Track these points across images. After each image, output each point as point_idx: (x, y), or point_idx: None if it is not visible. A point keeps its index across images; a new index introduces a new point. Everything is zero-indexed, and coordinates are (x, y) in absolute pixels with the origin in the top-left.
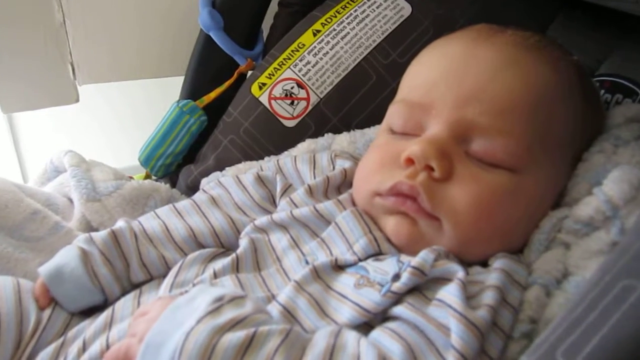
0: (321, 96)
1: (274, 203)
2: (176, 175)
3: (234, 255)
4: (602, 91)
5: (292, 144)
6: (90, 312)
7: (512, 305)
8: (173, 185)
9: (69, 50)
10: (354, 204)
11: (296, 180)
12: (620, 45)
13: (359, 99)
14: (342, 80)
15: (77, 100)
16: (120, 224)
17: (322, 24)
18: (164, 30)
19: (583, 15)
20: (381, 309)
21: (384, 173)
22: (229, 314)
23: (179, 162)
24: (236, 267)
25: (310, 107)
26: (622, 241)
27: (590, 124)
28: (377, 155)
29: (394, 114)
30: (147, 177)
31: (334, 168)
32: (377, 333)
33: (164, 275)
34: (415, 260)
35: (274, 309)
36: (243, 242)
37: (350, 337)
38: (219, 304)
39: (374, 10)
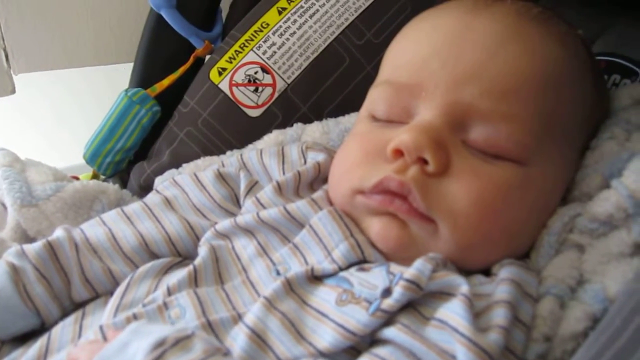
0: (289, 82)
1: (237, 203)
2: (127, 173)
3: (191, 266)
4: None
5: (257, 135)
6: (24, 338)
7: (525, 323)
8: (124, 185)
9: (0, 35)
10: (330, 203)
11: (263, 177)
12: (616, 22)
13: (330, 84)
14: (311, 63)
15: (13, 92)
16: (58, 233)
17: (288, 0)
18: (110, 11)
19: None
20: (369, 330)
21: (366, 167)
22: None
23: (130, 158)
24: (194, 281)
25: (276, 94)
26: None
27: (599, 106)
28: (357, 146)
29: (377, 98)
30: (95, 176)
31: (305, 162)
32: None
33: (112, 292)
34: (409, 272)
35: (240, 332)
36: (202, 251)
37: None
38: (161, 350)
39: None
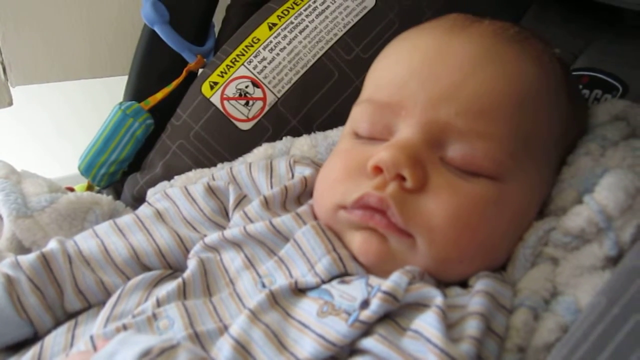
0: (279, 96)
1: (226, 216)
2: (121, 184)
3: (180, 279)
4: (580, 87)
5: (248, 148)
6: (17, 347)
7: (498, 334)
8: (118, 196)
9: None
10: (315, 217)
11: (251, 190)
12: (598, 37)
13: (319, 98)
14: (301, 77)
15: (11, 104)
16: (52, 245)
17: (278, 16)
18: (106, 25)
19: (557, 5)
20: (348, 341)
21: (348, 183)
22: None
23: (124, 170)
24: (183, 293)
25: (267, 108)
26: (626, 262)
27: (575, 123)
28: (340, 162)
29: (359, 115)
30: (89, 187)
31: (292, 176)
32: None
33: (104, 302)
34: (386, 284)
35: (225, 343)
36: (191, 263)
37: None
38: None
39: (335, 1)
